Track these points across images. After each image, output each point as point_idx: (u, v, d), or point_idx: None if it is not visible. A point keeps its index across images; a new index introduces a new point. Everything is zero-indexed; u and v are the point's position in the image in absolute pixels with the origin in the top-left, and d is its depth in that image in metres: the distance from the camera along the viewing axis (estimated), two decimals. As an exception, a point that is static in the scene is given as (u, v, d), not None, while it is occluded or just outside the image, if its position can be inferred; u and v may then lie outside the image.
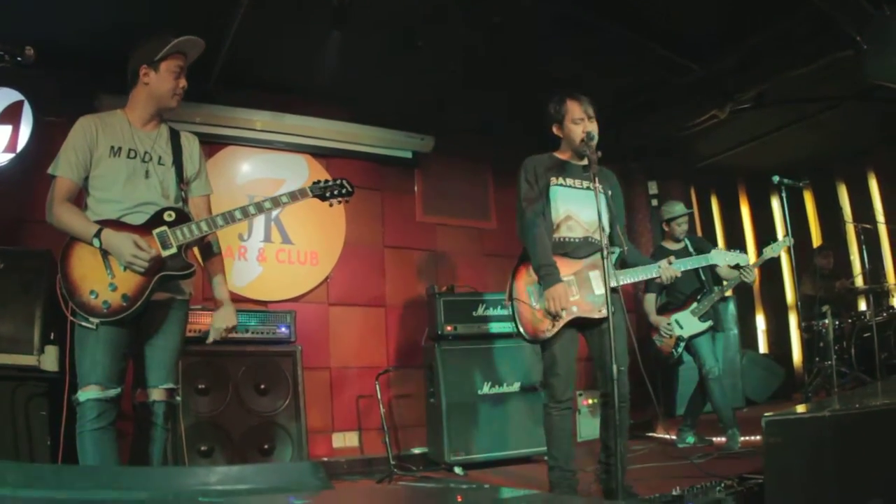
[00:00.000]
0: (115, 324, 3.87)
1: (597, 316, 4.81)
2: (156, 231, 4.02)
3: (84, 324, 3.83)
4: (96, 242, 3.83)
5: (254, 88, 8.04)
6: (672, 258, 5.06)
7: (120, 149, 4.11)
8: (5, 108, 6.87)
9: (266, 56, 7.55)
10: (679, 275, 5.01)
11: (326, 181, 4.58)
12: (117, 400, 3.88)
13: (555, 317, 4.77)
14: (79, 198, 4.09)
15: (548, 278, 4.78)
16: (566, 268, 4.89)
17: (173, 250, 4.02)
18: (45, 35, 5.53)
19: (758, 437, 6.55)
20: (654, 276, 4.97)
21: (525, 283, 5.03)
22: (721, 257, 5.60)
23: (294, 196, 4.42)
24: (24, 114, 6.83)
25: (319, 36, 6.99)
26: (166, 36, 4.15)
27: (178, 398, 4.26)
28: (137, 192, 4.09)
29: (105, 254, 3.88)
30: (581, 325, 4.89)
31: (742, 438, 6.97)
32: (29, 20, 6.20)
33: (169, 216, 4.09)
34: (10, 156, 6.74)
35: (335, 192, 4.58)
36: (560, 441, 4.83)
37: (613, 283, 4.75)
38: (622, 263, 5.02)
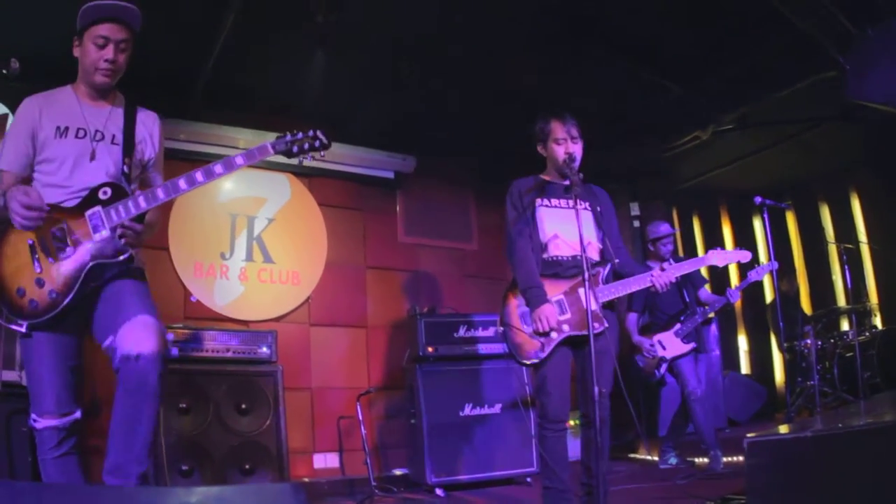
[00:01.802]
0: (51, 328, 3.54)
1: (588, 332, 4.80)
2: (88, 213, 3.59)
3: (13, 327, 3.51)
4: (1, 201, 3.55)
5: (237, 106, 8.01)
6: (665, 265, 5.02)
7: (67, 129, 3.76)
8: (-11, 122, 6.84)
9: (250, 74, 7.55)
10: (674, 280, 4.96)
11: (295, 133, 3.91)
12: (78, 423, 3.62)
13: (545, 336, 4.76)
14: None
15: (534, 300, 4.76)
16: (555, 288, 4.87)
17: (105, 233, 3.56)
18: (30, 48, 5.50)
19: (740, 458, 6.54)
20: (647, 284, 4.94)
21: (515, 306, 5.01)
22: (719, 257, 5.42)
23: (251, 155, 3.84)
24: (7, 127, 6.80)
25: (303, 55, 6.99)
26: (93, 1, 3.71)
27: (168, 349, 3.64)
28: (84, 175, 3.71)
29: (32, 246, 3.52)
30: (573, 343, 4.86)
31: (724, 459, 6.96)
32: (14, 33, 6.19)
33: (104, 194, 3.64)
34: (-8, 168, 6.72)
35: (306, 146, 3.91)
36: (554, 462, 4.76)
37: (604, 298, 4.78)
38: (615, 276, 5.00)
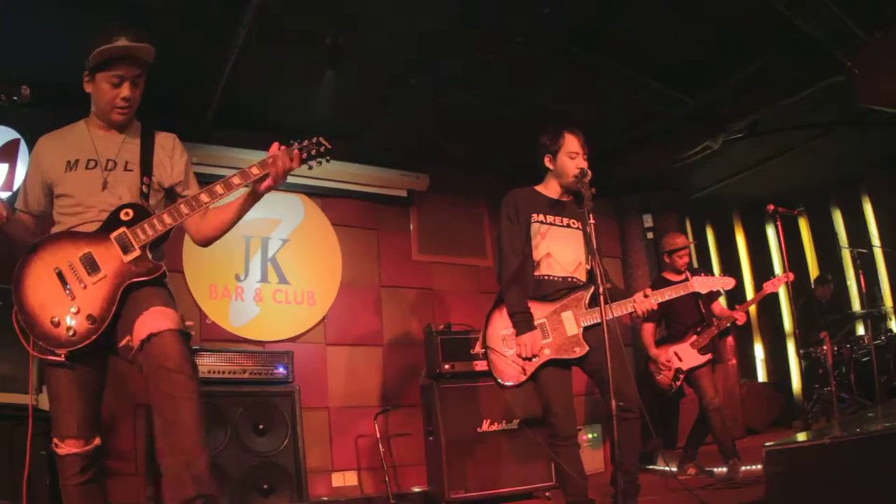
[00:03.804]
0: (86, 354, 3.43)
1: (570, 356, 4.83)
2: (114, 235, 3.55)
3: (50, 358, 3.39)
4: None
5: (249, 128, 8.00)
6: (648, 290, 5.02)
7: (77, 161, 3.71)
8: (2, 147, 6.92)
9: (261, 96, 7.58)
10: (655, 307, 4.97)
11: (301, 141, 3.87)
12: (99, 450, 3.55)
13: (527, 361, 4.78)
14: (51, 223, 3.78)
15: (521, 325, 4.79)
16: (541, 310, 4.90)
17: (136, 253, 3.54)
18: (41, 74, 5.52)
19: (759, 467, 6.52)
20: (629, 311, 4.95)
21: (498, 328, 5.02)
22: (702, 284, 5.38)
23: (264, 164, 3.70)
24: (20, 152, 6.87)
25: (314, 76, 7.02)
26: (104, 39, 3.59)
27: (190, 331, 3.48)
28: (96, 204, 3.65)
29: (60, 274, 3.45)
30: (567, 363, 4.89)
31: (743, 468, 6.93)
32: (25, 60, 6.23)
33: (126, 215, 3.60)
34: (7, 194, 6.77)
35: (313, 153, 3.90)
36: (572, 475, 4.77)
37: (586, 323, 4.80)
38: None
